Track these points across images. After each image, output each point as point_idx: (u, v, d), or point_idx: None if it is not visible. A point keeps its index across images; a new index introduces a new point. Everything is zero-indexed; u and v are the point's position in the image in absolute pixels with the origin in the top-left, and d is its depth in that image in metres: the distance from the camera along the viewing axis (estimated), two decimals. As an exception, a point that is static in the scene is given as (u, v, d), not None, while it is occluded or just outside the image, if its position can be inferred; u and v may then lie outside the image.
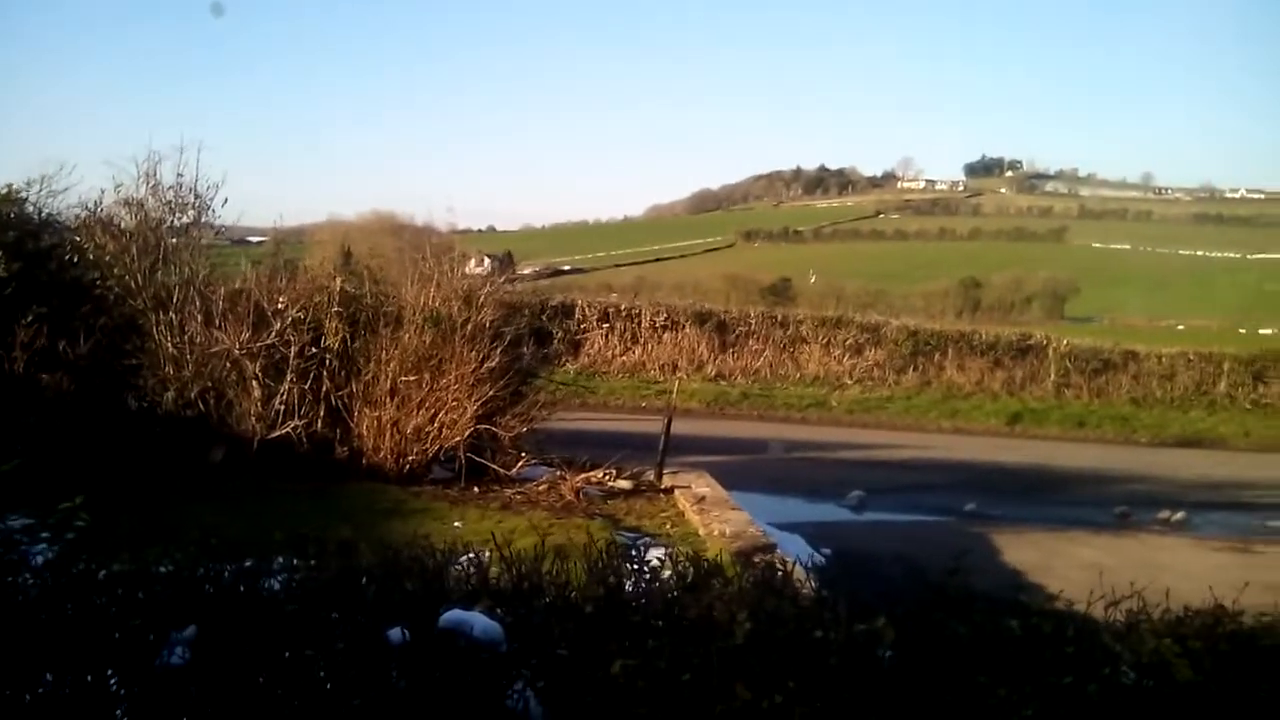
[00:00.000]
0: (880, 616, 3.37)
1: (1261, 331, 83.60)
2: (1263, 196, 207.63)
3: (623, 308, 31.01)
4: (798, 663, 3.17)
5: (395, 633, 3.72)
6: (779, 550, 9.24)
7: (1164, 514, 15.28)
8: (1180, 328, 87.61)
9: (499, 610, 3.87)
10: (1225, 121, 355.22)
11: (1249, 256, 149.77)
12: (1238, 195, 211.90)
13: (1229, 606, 3.97)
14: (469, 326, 12.16)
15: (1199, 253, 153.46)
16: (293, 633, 3.75)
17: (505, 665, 3.52)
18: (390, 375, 11.90)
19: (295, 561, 4.69)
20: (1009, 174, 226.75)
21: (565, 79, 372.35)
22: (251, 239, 20.51)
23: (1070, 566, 11.30)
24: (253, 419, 11.61)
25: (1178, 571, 11.18)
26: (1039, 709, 3.02)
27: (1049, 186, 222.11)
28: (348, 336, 12.14)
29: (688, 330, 30.33)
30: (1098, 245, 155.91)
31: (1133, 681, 3.31)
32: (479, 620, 3.72)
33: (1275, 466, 22.77)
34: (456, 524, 9.92)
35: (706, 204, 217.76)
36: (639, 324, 30.32)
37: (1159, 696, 3.19)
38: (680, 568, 4.19)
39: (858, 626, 3.34)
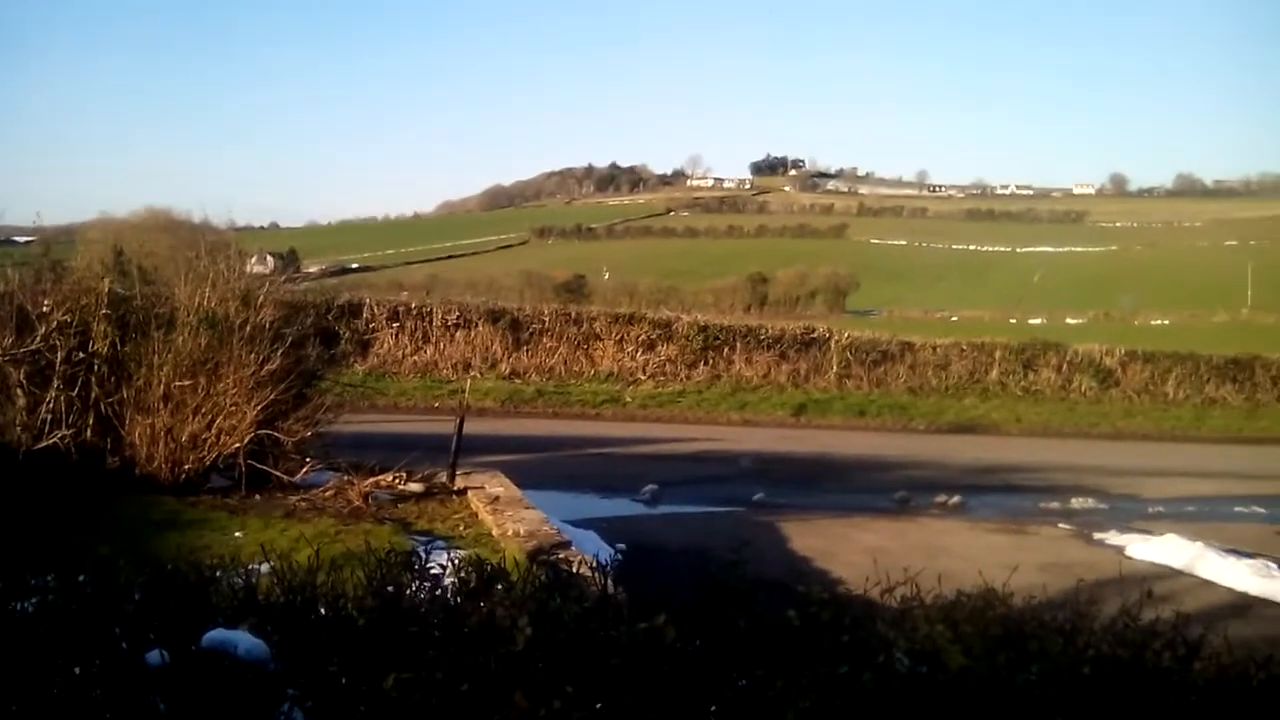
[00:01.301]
0: (662, 613, 3.34)
1: (1031, 321, 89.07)
2: (1031, 193, 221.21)
3: (413, 306, 30.50)
4: (578, 665, 3.11)
5: (154, 655, 3.49)
6: (574, 547, 9.18)
7: (941, 498, 15.88)
8: (954, 319, 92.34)
9: (268, 627, 3.68)
10: (996, 121, 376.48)
11: (1018, 250, 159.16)
12: (1008, 192, 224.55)
13: (1001, 589, 4.10)
14: (247, 328, 11.66)
15: (971, 247, 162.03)
16: (43, 657, 3.47)
17: (271, 685, 3.34)
18: (163, 380, 11.31)
19: (50, 580, 4.36)
20: (793, 173, 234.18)
21: (353, 72, 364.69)
22: (18, 239, 19.38)
23: (854, 551, 11.62)
24: (18, 429, 10.86)
25: (955, 554, 11.64)
26: (816, 700, 3.04)
27: (830, 185, 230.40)
28: (118, 340, 11.48)
29: (481, 328, 30.06)
30: (876, 241, 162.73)
31: (906, 669, 3.37)
32: (243, 639, 3.53)
33: (1045, 451, 24.11)
34: (237, 534, 9.51)
35: (499, 201, 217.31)
36: (430, 323, 29.86)
37: (931, 683, 3.25)
38: (463, 574, 4.07)
39: (639, 625, 3.30)
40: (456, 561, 4.40)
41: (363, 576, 4.08)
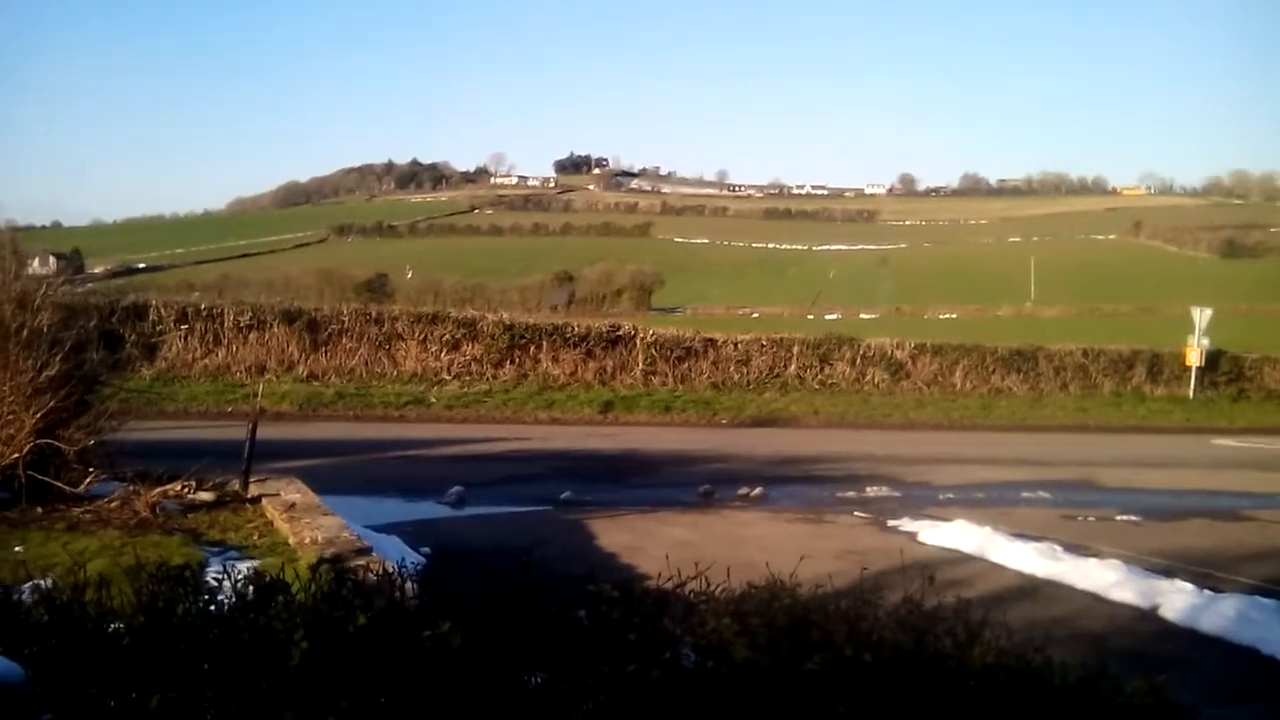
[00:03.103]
0: (446, 620, 3.26)
1: (827, 317, 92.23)
2: (826, 193, 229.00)
3: (203, 307, 29.35)
4: (358, 677, 3.01)
5: (-100, 685, 3.23)
6: (375, 554, 8.98)
7: (744, 490, 16.14)
8: (755, 315, 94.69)
9: (26, 648, 3.45)
10: (792, 122, 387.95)
11: (814, 248, 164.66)
12: (804, 192, 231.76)
13: (789, 578, 4.16)
14: (24, 332, 11.02)
15: (770, 245, 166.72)
16: None
17: (27, 709, 3.13)
18: (-64, 390, 10.60)
19: None
20: (596, 172, 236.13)
21: (136, 61, 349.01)
22: None
23: (660, 545, 11.65)
24: None
25: (757, 544, 11.84)
26: (603, 699, 3.03)
27: (634, 184, 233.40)
28: (-111, 349, 10.69)
29: (276, 329, 29.17)
30: (680, 240, 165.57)
31: (693, 664, 3.39)
32: (-3, 662, 3.30)
33: (841, 442, 24.83)
34: (17, 549, 8.95)
35: (295, 197, 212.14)
36: (222, 324, 28.79)
37: (718, 677, 3.28)
38: (239, 586, 3.90)
39: (424, 633, 3.22)
40: (231, 573, 4.21)
41: (130, 592, 3.86)
